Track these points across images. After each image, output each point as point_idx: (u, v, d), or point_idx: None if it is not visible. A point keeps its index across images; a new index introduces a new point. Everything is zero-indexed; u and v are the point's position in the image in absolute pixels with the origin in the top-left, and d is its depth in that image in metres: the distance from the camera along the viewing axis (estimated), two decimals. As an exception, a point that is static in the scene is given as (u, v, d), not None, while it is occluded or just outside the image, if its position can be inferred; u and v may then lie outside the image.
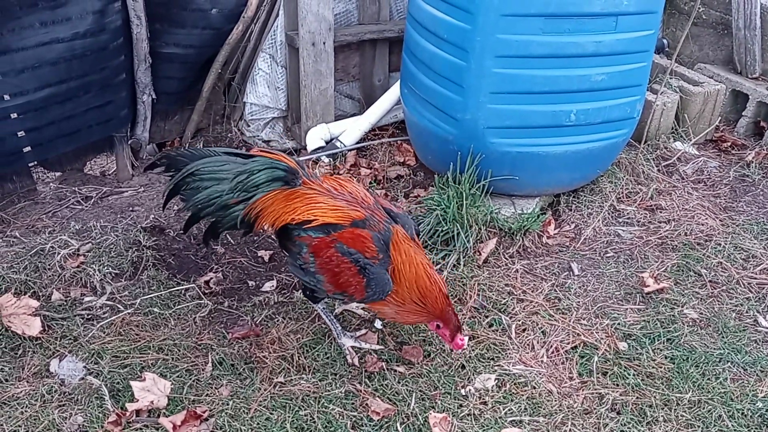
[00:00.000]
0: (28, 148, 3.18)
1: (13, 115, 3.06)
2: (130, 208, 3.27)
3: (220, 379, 2.40)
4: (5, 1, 2.87)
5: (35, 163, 3.34)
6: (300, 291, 2.71)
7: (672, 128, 3.93)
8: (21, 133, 3.13)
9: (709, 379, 2.50)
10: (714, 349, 2.62)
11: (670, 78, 4.01)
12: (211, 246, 2.91)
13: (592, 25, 2.86)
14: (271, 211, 2.35)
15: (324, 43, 3.59)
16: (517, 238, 3.10)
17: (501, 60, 2.89)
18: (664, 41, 4.39)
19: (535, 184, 3.25)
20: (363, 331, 2.60)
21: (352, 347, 2.52)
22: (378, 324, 2.65)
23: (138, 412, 2.22)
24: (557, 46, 2.86)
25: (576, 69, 2.95)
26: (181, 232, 3.00)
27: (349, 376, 2.44)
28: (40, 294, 2.67)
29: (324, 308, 2.55)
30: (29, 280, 2.70)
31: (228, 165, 2.38)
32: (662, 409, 2.37)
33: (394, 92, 3.73)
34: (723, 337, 2.69)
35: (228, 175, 2.35)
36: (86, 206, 3.27)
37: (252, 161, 2.38)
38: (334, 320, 2.55)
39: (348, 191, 2.37)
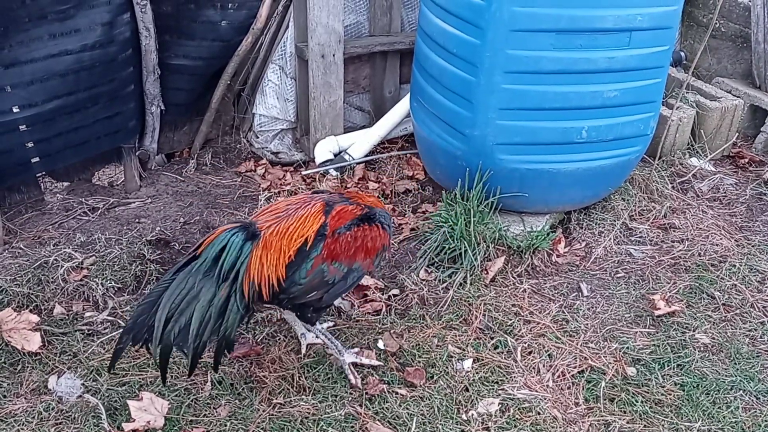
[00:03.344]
0: (36, 159, 3.18)
1: (22, 127, 3.06)
2: (137, 220, 3.26)
3: (219, 399, 2.37)
4: (14, 13, 2.87)
5: (43, 173, 3.34)
6: (293, 320, 2.61)
7: (688, 144, 3.86)
8: (29, 144, 3.13)
9: (720, 407, 2.42)
10: (726, 376, 2.55)
11: (687, 92, 3.93)
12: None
13: (605, 41, 2.80)
14: (269, 266, 2.20)
15: (333, 55, 3.56)
16: (526, 256, 3.05)
17: (511, 76, 2.84)
18: (682, 53, 4.32)
19: (545, 202, 3.20)
20: (356, 349, 2.56)
21: (352, 364, 2.48)
22: (380, 344, 2.61)
23: (134, 432, 2.20)
24: (569, 61, 2.81)
25: (588, 85, 2.89)
26: (189, 367, 2.24)
27: (350, 398, 2.40)
28: (42, 308, 2.66)
29: (322, 329, 2.51)
30: (32, 294, 2.69)
31: (190, 277, 2.14)
32: (670, 438, 2.31)
33: (404, 105, 3.70)
34: (735, 363, 2.61)
35: (200, 284, 2.12)
36: (93, 217, 3.27)
37: (210, 248, 2.17)
38: (333, 338, 2.52)
39: (293, 203, 2.34)
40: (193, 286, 2.13)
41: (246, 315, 2.24)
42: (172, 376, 2.43)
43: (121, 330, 2.17)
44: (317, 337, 2.54)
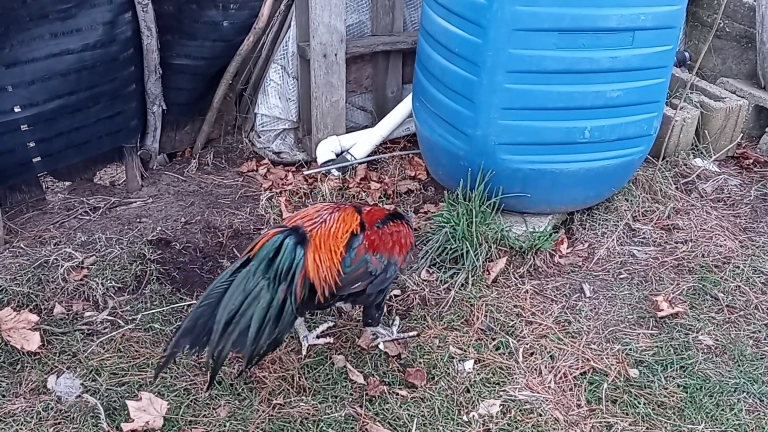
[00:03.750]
0: (37, 159, 3.17)
1: (24, 127, 3.05)
2: (138, 220, 3.25)
3: (219, 400, 2.36)
4: (16, 13, 2.87)
5: (45, 173, 3.34)
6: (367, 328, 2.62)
7: (692, 144, 3.83)
8: (31, 144, 3.12)
9: (723, 410, 2.40)
10: (729, 378, 2.53)
11: (691, 92, 3.91)
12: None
13: (608, 40, 2.79)
14: (323, 266, 2.24)
15: (335, 55, 3.55)
16: (528, 257, 3.03)
17: (513, 75, 2.82)
18: (686, 54, 4.29)
19: (548, 202, 3.18)
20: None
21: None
22: (381, 346, 2.60)
23: (133, 432, 2.19)
24: (571, 61, 2.79)
25: (591, 85, 2.87)
26: (241, 369, 2.39)
27: (350, 399, 2.38)
28: (42, 307, 2.65)
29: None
30: (32, 293, 2.68)
31: (249, 279, 2.15)
32: (673, 441, 2.29)
33: (406, 105, 3.68)
34: (739, 365, 2.59)
35: (260, 286, 2.14)
36: (94, 217, 3.26)
37: (263, 250, 2.19)
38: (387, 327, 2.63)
39: (323, 209, 2.39)
40: (253, 287, 2.13)
41: (296, 318, 2.27)
42: (171, 376, 2.43)
43: (176, 333, 2.12)
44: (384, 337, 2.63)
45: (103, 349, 2.52)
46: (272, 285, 2.15)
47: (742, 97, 3.96)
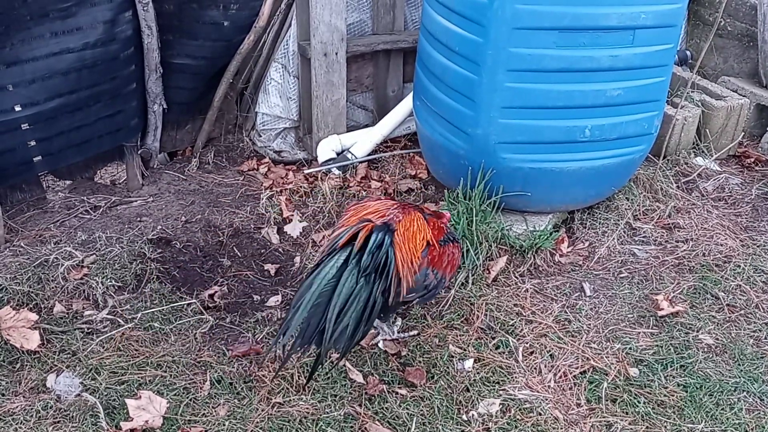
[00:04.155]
0: (38, 158, 3.18)
1: (24, 126, 3.06)
2: (138, 219, 3.25)
3: (218, 398, 2.36)
4: (16, 12, 2.87)
5: (45, 172, 3.34)
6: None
7: (693, 143, 3.82)
8: (32, 143, 3.12)
9: (723, 409, 2.40)
10: (729, 377, 2.52)
11: (692, 91, 3.90)
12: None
13: (608, 39, 2.78)
14: (406, 267, 2.27)
15: (336, 54, 3.55)
16: (529, 256, 3.02)
17: (513, 74, 2.82)
18: (688, 52, 4.28)
19: (548, 201, 3.18)
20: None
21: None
22: (381, 344, 2.60)
23: (132, 431, 2.18)
24: (572, 60, 2.79)
25: (591, 83, 2.87)
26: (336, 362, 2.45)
27: (349, 398, 2.38)
28: (42, 306, 2.66)
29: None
30: (32, 292, 2.68)
31: (352, 276, 2.18)
32: (673, 440, 2.28)
33: (406, 104, 3.68)
34: (739, 364, 2.58)
35: (360, 284, 2.17)
36: (94, 216, 3.26)
37: (366, 245, 2.22)
38: (389, 326, 2.63)
39: (392, 207, 2.41)
40: (354, 285, 2.17)
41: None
42: (171, 375, 2.43)
43: (294, 333, 2.14)
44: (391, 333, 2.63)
45: (103, 347, 2.53)
46: (369, 284, 2.19)
47: (744, 96, 3.95)
